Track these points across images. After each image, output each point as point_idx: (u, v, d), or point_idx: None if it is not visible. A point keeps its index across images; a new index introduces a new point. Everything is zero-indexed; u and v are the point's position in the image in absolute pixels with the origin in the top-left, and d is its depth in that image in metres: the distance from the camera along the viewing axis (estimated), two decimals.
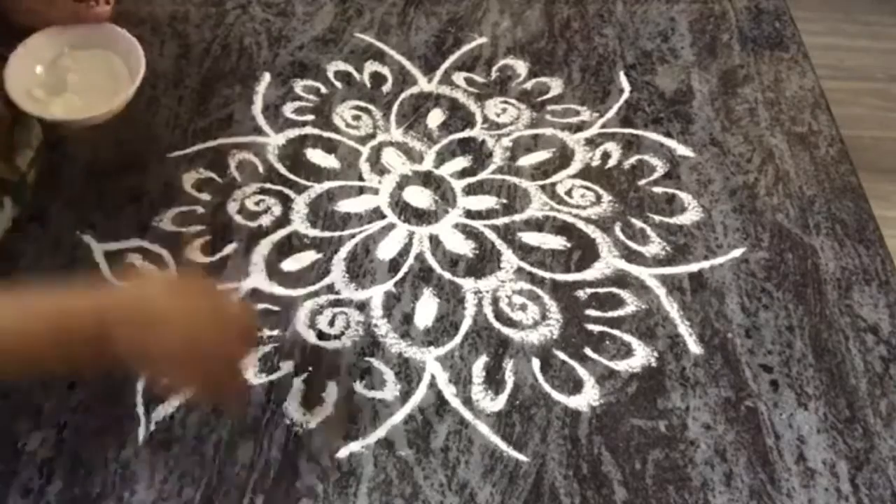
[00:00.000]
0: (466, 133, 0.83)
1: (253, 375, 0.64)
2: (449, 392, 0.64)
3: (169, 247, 0.71)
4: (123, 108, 0.70)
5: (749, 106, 0.86)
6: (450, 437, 0.62)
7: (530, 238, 0.74)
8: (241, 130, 0.82)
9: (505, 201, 0.77)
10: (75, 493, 0.58)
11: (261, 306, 0.68)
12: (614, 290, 0.71)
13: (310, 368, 0.65)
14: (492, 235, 0.74)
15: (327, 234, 0.74)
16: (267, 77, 0.87)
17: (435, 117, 0.84)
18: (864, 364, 0.67)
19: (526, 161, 0.80)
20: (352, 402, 0.63)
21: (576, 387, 0.65)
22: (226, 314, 0.56)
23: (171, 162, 0.78)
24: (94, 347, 0.50)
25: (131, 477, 0.59)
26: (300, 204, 0.76)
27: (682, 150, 0.82)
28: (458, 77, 0.88)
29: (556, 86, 0.87)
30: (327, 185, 0.78)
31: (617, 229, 0.75)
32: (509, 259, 0.72)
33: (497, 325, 0.68)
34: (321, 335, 0.67)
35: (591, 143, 0.82)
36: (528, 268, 0.72)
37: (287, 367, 0.65)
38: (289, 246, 0.73)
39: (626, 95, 0.87)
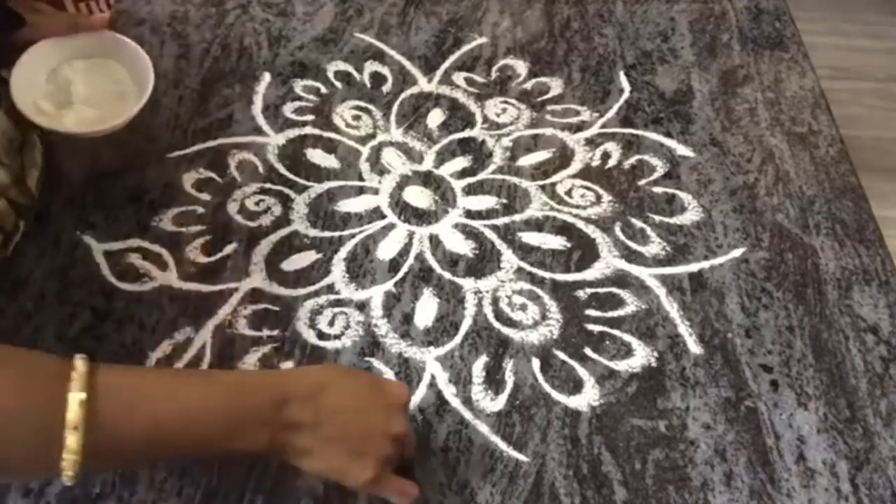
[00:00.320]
0: (466, 133, 0.83)
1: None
2: (449, 392, 0.64)
3: (169, 247, 0.72)
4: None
5: (749, 106, 0.86)
6: (450, 437, 0.62)
7: (530, 238, 0.74)
8: (241, 130, 0.82)
9: (505, 201, 0.77)
10: (75, 494, 0.58)
11: (261, 306, 0.68)
12: (614, 290, 0.71)
13: None
14: (492, 235, 0.74)
15: (327, 234, 0.74)
16: (267, 77, 0.87)
17: (435, 117, 0.84)
18: (864, 364, 0.67)
19: (526, 161, 0.80)
20: None
21: (576, 387, 0.65)
22: (393, 398, 0.55)
23: (171, 162, 0.78)
24: (269, 428, 0.49)
25: (131, 477, 0.59)
26: (300, 204, 0.76)
27: (682, 150, 0.82)
28: (458, 77, 0.88)
29: (556, 86, 0.88)
30: (327, 185, 0.78)
31: (617, 229, 0.75)
32: (509, 259, 0.72)
33: (497, 325, 0.68)
34: (321, 335, 0.67)
35: (591, 143, 0.82)
36: (528, 268, 0.72)
37: (287, 367, 0.65)
38: (289, 246, 0.73)
39: (626, 95, 0.87)
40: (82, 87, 0.69)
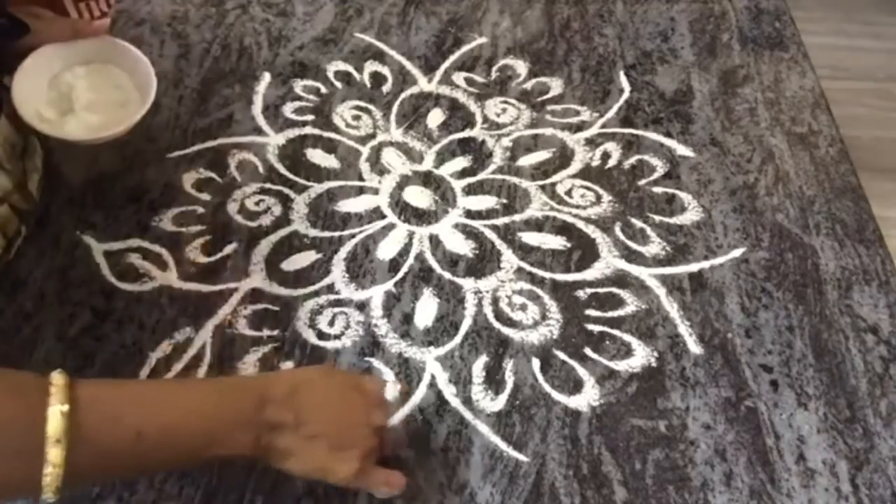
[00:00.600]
0: (466, 133, 0.83)
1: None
2: (449, 392, 0.64)
3: (169, 247, 0.72)
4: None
5: (749, 106, 0.86)
6: (450, 437, 0.62)
7: (530, 238, 0.74)
8: (241, 130, 0.82)
9: (505, 201, 0.77)
10: (75, 494, 0.58)
11: (261, 306, 0.68)
12: (614, 290, 0.71)
13: None
14: (492, 235, 0.74)
15: (327, 234, 0.74)
16: (267, 77, 0.87)
17: (435, 117, 0.84)
18: (864, 364, 0.67)
19: (526, 161, 0.80)
20: None
21: (576, 387, 0.65)
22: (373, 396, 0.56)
23: (171, 162, 0.78)
24: (252, 431, 0.50)
25: None
26: (300, 204, 0.76)
27: (682, 150, 0.82)
28: (458, 77, 0.88)
29: (556, 86, 0.88)
30: (327, 185, 0.78)
31: (617, 229, 0.75)
32: (509, 259, 0.72)
33: (497, 325, 0.68)
34: (321, 335, 0.67)
35: (591, 143, 0.82)
36: (528, 268, 0.72)
37: (287, 367, 0.65)
38: (289, 246, 0.73)
39: (626, 95, 0.87)
40: (84, 93, 0.69)
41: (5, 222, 0.64)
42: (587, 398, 0.64)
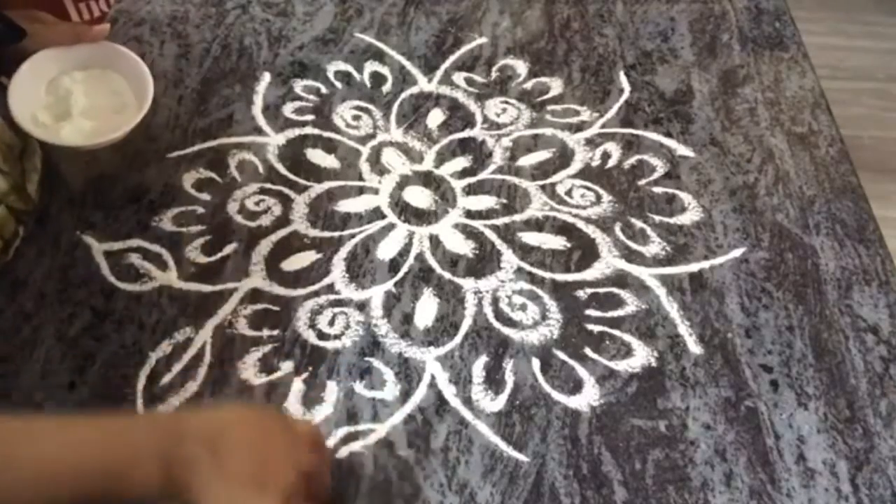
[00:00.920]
0: (466, 133, 0.83)
1: (253, 375, 0.64)
2: (449, 392, 0.64)
3: (169, 247, 0.72)
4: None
5: (749, 106, 0.86)
6: (450, 437, 0.62)
7: (530, 238, 0.74)
8: (241, 130, 0.82)
9: (505, 201, 0.77)
10: None
11: (261, 306, 0.68)
12: (614, 290, 0.71)
13: (310, 368, 0.65)
14: (492, 235, 0.74)
15: (327, 234, 0.74)
16: (267, 77, 0.87)
17: (435, 117, 0.84)
18: (864, 364, 0.67)
19: (526, 161, 0.80)
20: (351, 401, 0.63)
21: (576, 387, 0.65)
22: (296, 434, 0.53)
23: (171, 162, 0.78)
24: (160, 464, 0.47)
25: None
26: (300, 204, 0.76)
27: (682, 150, 0.82)
28: (458, 77, 0.88)
29: (556, 86, 0.88)
30: (327, 185, 0.78)
31: (617, 229, 0.75)
32: (509, 259, 0.72)
33: (497, 325, 0.68)
34: (321, 335, 0.67)
35: (591, 143, 0.82)
36: (528, 268, 0.72)
37: (287, 367, 0.65)
38: (289, 246, 0.73)
39: (626, 95, 0.87)
40: (81, 98, 0.69)
41: (2, 223, 0.64)
42: (587, 398, 0.64)
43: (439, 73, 0.88)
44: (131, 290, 0.69)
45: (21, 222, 0.67)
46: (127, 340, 0.66)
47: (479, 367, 0.65)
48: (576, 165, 0.80)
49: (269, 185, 0.77)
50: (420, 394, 0.64)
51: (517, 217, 0.76)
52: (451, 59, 0.90)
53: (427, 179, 0.79)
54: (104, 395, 0.62)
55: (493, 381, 0.65)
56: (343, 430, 0.61)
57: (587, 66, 0.90)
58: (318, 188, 0.77)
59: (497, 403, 0.64)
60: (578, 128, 0.84)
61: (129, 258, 0.71)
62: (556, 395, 0.64)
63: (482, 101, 0.86)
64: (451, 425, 0.62)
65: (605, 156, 0.81)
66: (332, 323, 0.68)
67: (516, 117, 0.84)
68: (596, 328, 0.68)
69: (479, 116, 0.84)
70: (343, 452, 0.60)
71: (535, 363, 0.66)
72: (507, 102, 0.86)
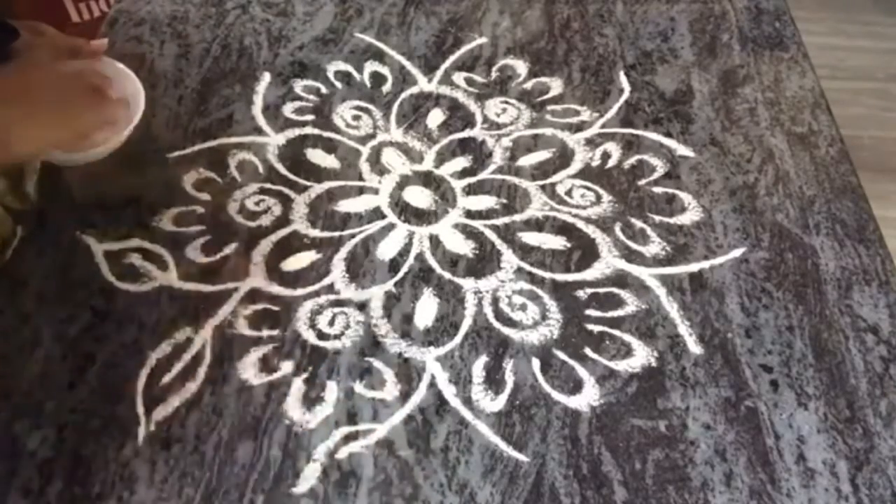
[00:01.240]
0: (466, 133, 0.83)
1: (253, 375, 0.64)
2: (449, 392, 0.64)
3: (169, 247, 0.72)
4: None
5: (749, 106, 0.86)
6: (450, 437, 0.62)
7: (530, 238, 0.74)
8: (241, 130, 0.82)
9: (505, 201, 0.77)
10: (75, 493, 0.58)
11: (261, 306, 0.68)
12: (614, 290, 0.71)
13: (310, 368, 0.65)
14: (492, 235, 0.74)
15: (327, 234, 0.74)
16: (267, 77, 0.87)
17: (435, 117, 0.84)
18: (864, 364, 0.67)
19: (526, 161, 0.80)
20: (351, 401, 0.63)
21: (576, 387, 0.65)
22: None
23: (171, 162, 0.78)
24: None
25: (131, 477, 0.59)
26: (300, 204, 0.76)
27: (682, 150, 0.82)
28: (458, 77, 0.88)
29: (556, 86, 0.88)
30: (327, 185, 0.78)
31: (617, 229, 0.75)
32: (509, 259, 0.72)
33: (497, 325, 0.68)
34: (321, 335, 0.67)
35: (591, 143, 0.82)
36: (528, 268, 0.72)
37: (287, 367, 0.65)
38: (289, 246, 0.73)
39: (626, 95, 0.87)
40: None
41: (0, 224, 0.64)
42: (587, 398, 0.64)
43: (439, 73, 0.88)
44: (131, 290, 0.69)
45: (19, 222, 0.67)
46: (127, 340, 0.66)
47: (479, 368, 0.65)
48: (576, 165, 0.80)
49: (269, 185, 0.77)
50: (420, 394, 0.64)
51: (517, 217, 0.76)
52: (451, 59, 0.90)
53: (427, 179, 0.79)
54: (104, 396, 0.62)
55: (493, 381, 0.65)
56: (343, 430, 0.61)
57: (587, 66, 0.90)
58: (318, 188, 0.77)
59: (497, 403, 0.64)
60: (578, 128, 0.84)
61: (129, 258, 0.71)
62: (556, 395, 0.64)
63: (482, 101, 0.86)
64: (451, 425, 0.62)
65: (605, 156, 0.81)
66: (332, 323, 0.68)
67: (516, 117, 0.84)
68: (596, 328, 0.68)
69: (479, 116, 0.84)
70: (343, 452, 0.60)
71: (535, 363, 0.66)
72: (507, 102, 0.86)
